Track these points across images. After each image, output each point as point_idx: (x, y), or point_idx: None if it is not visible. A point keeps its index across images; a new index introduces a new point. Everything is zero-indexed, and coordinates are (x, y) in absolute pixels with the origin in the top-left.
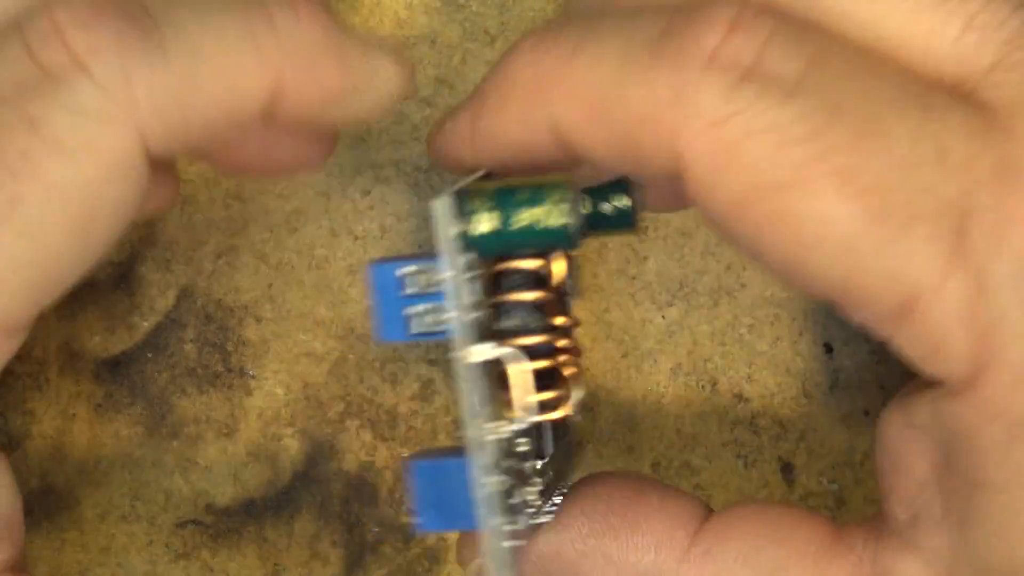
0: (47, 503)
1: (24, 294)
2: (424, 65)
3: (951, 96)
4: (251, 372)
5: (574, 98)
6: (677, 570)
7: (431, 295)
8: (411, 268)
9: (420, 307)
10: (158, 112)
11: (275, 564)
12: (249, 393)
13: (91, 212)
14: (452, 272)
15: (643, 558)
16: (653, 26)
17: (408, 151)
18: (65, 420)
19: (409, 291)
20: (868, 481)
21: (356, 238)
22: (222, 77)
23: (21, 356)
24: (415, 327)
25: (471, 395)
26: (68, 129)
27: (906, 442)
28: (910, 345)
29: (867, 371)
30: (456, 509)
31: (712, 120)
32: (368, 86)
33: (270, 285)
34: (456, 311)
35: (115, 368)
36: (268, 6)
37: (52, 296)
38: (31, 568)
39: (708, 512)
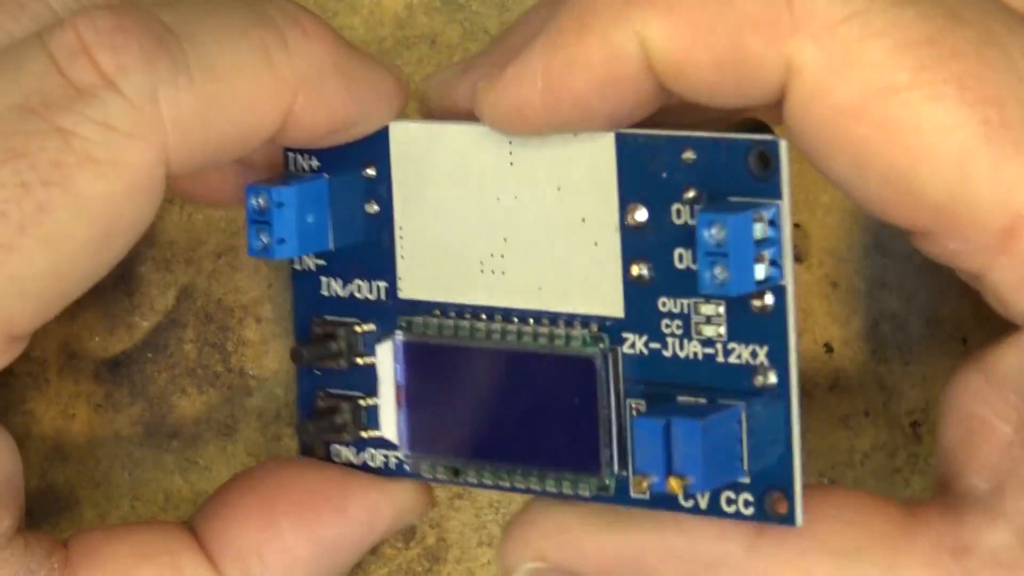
0: (47, 503)
1: (39, 303)
2: (424, 65)
3: None
4: (251, 372)
5: (671, 8)
6: (745, 560)
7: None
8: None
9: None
10: (181, 130)
11: None
12: (249, 393)
13: (112, 226)
14: (789, 221)
15: (709, 549)
16: None
17: None
18: (65, 420)
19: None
20: (868, 481)
21: None
22: (241, 97)
23: (21, 356)
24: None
25: (790, 338)
26: (98, 143)
27: (986, 403)
28: (1004, 277)
29: (867, 371)
30: (728, 462)
31: (829, 21)
32: (371, 106)
33: (270, 285)
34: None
35: (115, 368)
36: (280, 27)
37: (61, 307)
38: None
39: None
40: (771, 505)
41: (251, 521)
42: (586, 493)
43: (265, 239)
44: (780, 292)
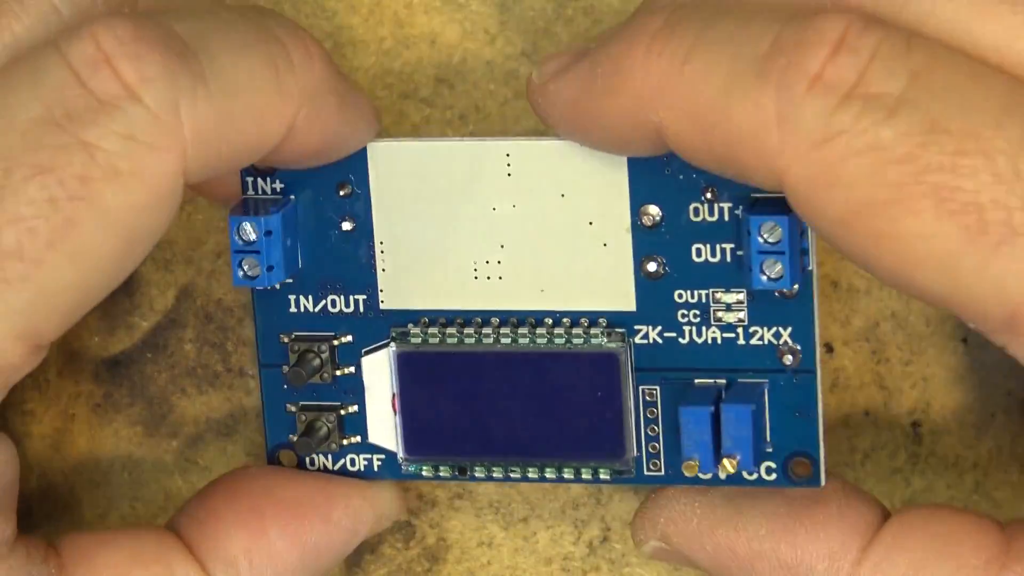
0: (47, 503)
1: (64, 314)
2: (424, 65)
3: None
4: (251, 372)
5: (681, 109)
6: None
7: None
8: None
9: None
10: (199, 141)
11: None
12: (249, 393)
13: (134, 236)
14: None
15: (816, 566)
16: (763, 38)
17: None
18: (65, 420)
19: None
20: (868, 481)
21: None
22: (252, 110)
23: None
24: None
25: (815, 317)
26: (121, 155)
27: None
28: (1022, 352)
29: (867, 371)
30: (761, 436)
31: (815, 141)
32: (356, 127)
33: None
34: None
35: (115, 368)
36: (285, 44)
37: (82, 315)
38: None
39: (884, 517)
40: (794, 469)
41: (239, 527)
42: (607, 476)
43: (249, 268)
44: (808, 276)
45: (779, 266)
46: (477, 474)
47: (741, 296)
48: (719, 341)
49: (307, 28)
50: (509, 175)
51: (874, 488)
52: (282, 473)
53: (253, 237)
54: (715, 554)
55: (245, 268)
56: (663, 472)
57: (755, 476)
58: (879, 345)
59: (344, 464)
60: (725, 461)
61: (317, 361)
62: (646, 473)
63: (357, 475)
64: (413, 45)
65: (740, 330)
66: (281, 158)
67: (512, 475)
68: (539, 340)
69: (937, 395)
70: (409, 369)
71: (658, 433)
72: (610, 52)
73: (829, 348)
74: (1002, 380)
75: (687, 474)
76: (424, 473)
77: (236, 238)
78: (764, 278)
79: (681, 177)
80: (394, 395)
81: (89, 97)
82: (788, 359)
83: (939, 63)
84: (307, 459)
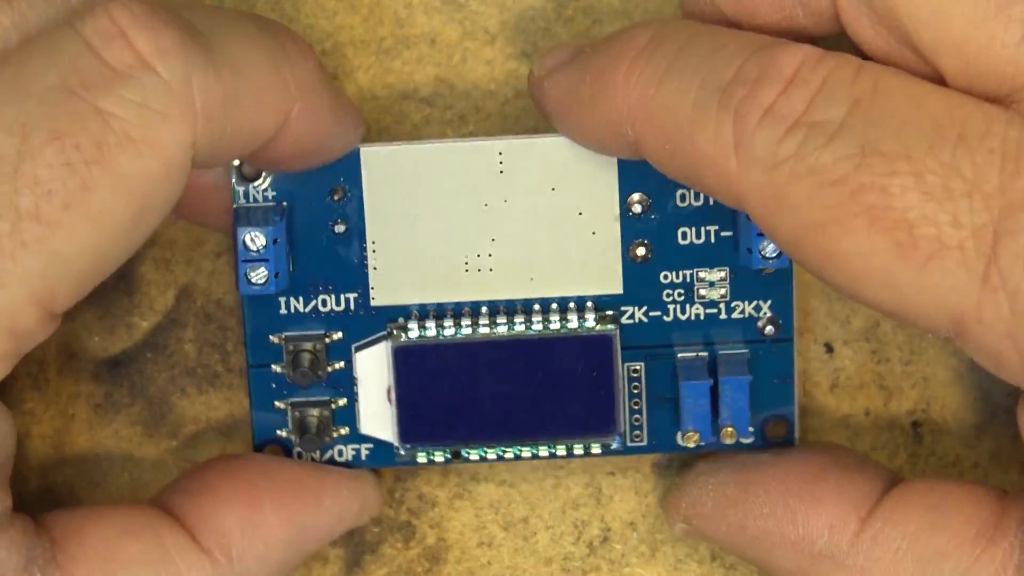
0: (47, 503)
1: (78, 279)
2: (424, 64)
3: (992, 118)
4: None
5: (654, 127)
6: (848, 553)
7: None
8: None
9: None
10: (208, 117)
11: None
12: (249, 393)
13: (147, 203)
14: None
15: (818, 540)
16: (728, 68)
17: None
18: (65, 420)
19: None
20: None
21: None
22: (255, 95)
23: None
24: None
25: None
26: (136, 123)
27: None
28: (978, 357)
29: (867, 371)
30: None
31: (765, 167)
32: (346, 128)
33: None
34: None
35: (115, 368)
36: (282, 41)
37: (94, 284)
38: None
39: (885, 486)
40: (771, 431)
41: (234, 500)
42: (597, 451)
43: (256, 277)
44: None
45: (772, 245)
46: (471, 456)
47: (724, 274)
48: (702, 317)
49: (307, 28)
50: (501, 172)
51: None
52: (276, 458)
53: (262, 246)
54: (728, 533)
55: (252, 277)
56: (646, 442)
57: (732, 441)
58: (879, 345)
59: (332, 455)
60: (725, 430)
61: (313, 360)
62: (629, 444)
63: (344, 465)
64: (413, 45)
65: (722, 305)
66: (276, 154)
67: (506, 455)
68: (534, 327)
69: (937, 395)
70: (405, 363)
71: (641, 406)
72: (597, 64)
73: (829, 348)
74: (1002, 380)
75: (688, 445)
76: (419, 460)
77: (243, 248)
78: (761, 258)
79: None
80: (389, 388)
81: (104, 67)
82: (769, 329)
83: (882, 89)
84: (295, 451)
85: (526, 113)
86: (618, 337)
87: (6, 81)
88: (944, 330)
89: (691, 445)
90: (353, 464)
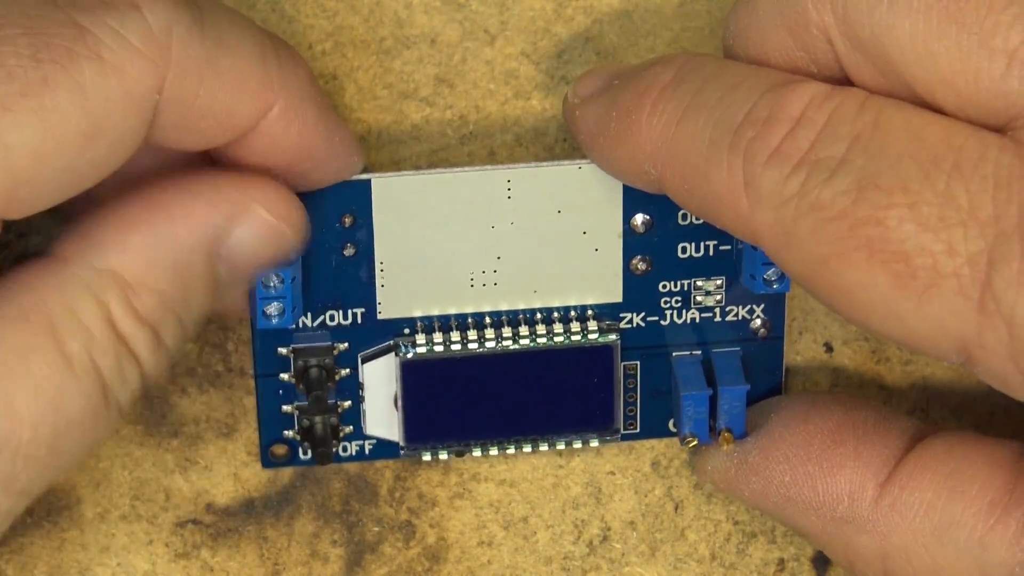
0: (47, 503)
1: (15, 180)
2: (424, 64)
3: (986, 145)
4: (251, 372)
5: (673, 167)
6: (868, 518)
7: None
8: None
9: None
10: (181, 72)
11: (275, 564)
12: (249, 392)
13: (99, 129)
14: None
15: (838, 506)
16: (740, 109)
17: (408, 151)
18: None
19: None
20: None
21: None
22: (234, 74)
23: None
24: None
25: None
26: (109, 46)
27: None
28: (987, 380)
29: (867, 371)
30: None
31: (773, 205)
32: (338, 150)
33: None
34: None
35: None
36: (275, 43)
37: (31, 206)
38: (31, 568)
39: (906, 445)
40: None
41: (94, 208)
42: (595, 443)
43: (274, 312)
44: None
45: (774, 272)
46: (474, 453)
47: (720, 282)
48: (697, 320)
49: (307, 28)
50: (509, 199)
51: None
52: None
53: (279, 285)
54: (752, 497)
55: (269, 312)
56: (639, 429)
57: (731, 445)
58: (879, 345)
59: (336, 451)
60: (723, 434)
61: (319, 372)
62: (623, 431)
63: (348, 460)
64: (413, 45)
65: (717, 310)
66: (256, 153)
67: (506, 449)
68: (538, 339)
69: (937, 395)
70: (413, 375)
71: (636, 399)
72: (624, 101)
73: (829, 348)
74: None
75: (688, 447)
76: (424, 456)
77: (261, 287)
78: (764, 283)
79: None
80: (396, 395)
81: None
82: (762, 332)
83: (882, 122)
84: (299, 449)
85: (526, 113)
86: (619, 347)
87: None
88: (953, 357)
89: (690, 446)
90: (356, 459)
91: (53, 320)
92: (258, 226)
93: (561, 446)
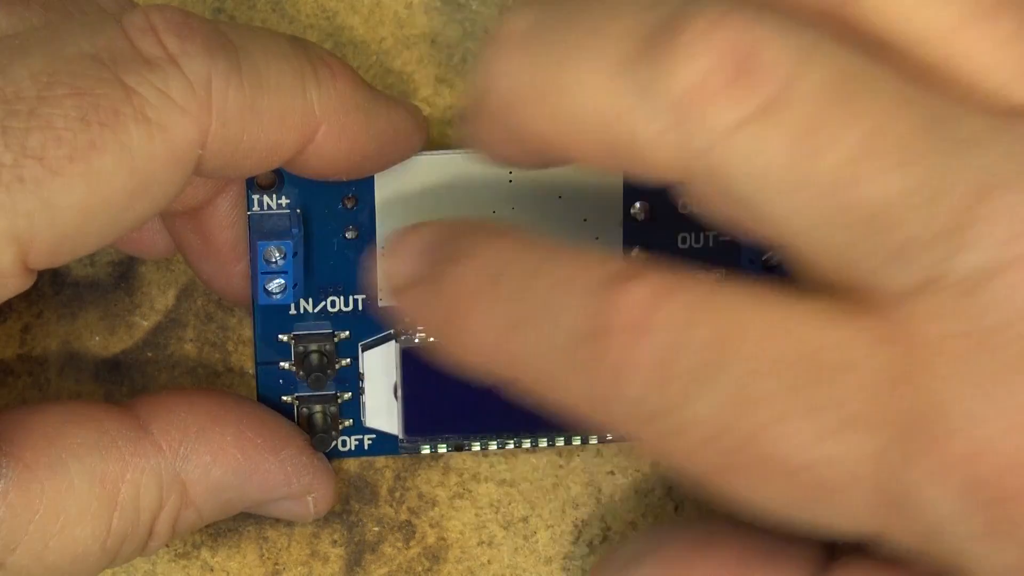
0: None
1: (61, 238)
2: (424, 65)
3: (855, 341)
4: (251, 372)
5: (518, 375)
6: None
7: None
8: None
9: None
10: (223, 122)
11: (275, 564)
12: (249, 393)
13: (144, 186)
14: None
15: None
16: (574, 317)
17: None
18: None
19: None
20: None
21: None
22: (276, 111)
23: (21, 356)
24: None
25: None
26: (154, 105)
27: None
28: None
29: None
30: None
31: (639, 423)
32: (389, 143)
33: None
34: None
35: (115, 368)
36: (314, 62)
37: (72, 255)
38: None
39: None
40: None
41: (198, 411)
42: (594, 440)
43: (275, 288)
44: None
45: (774, 255)
46: (473, 447)
47: (720, 274)
48: None
49: (307, 28)
50: (510, 182)
51: None
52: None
53: (280, 260)
54: None
55: (270, 287)
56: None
57: None
58: None
59: (335, 445)
60: None
61: (319, 359)
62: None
63: (347, 455)
64: (413, 45)
65: None
66: (311, 169)
67: (506, 444)
68: None
69: None
70: (413, 362)
71: None
72: (444, 304)
73: None
74: None
75: None
76: (423, 450)
77: (263, 261)
78: (764, 267)
79: None
80: (396, 384)
81: (135, 51)
82: None
83: (737, 322)
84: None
85: None
86: None
87: (42, 40)
88: (861, 539)
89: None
90: (355, 454)
91: (120, 497)
92: (299, 509)
93: (560, 442)
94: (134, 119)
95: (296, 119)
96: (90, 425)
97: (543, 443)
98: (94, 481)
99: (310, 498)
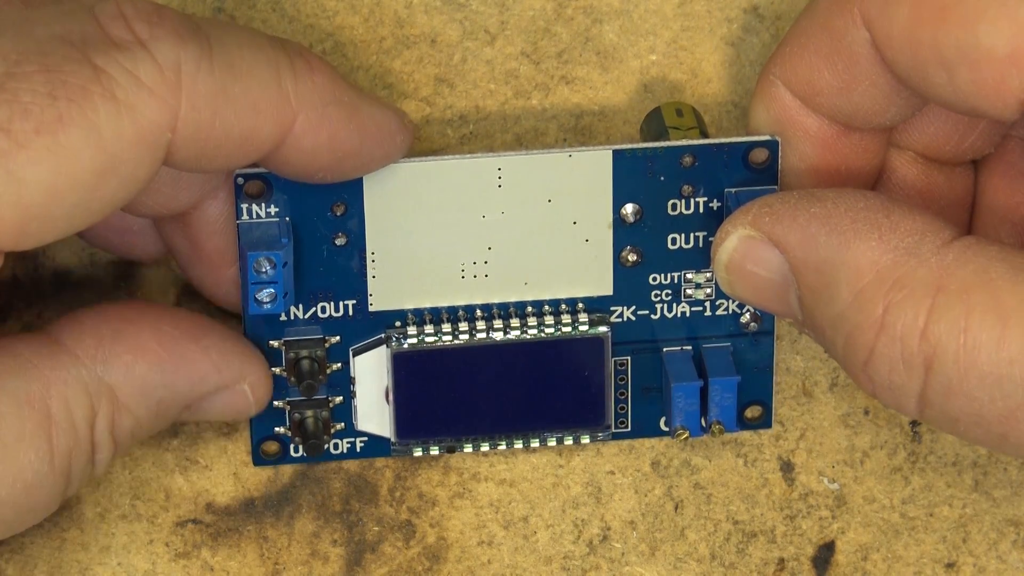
0: None
1: (26, 216)
2: (424, 64)
3: None
4: None
5: None
6: (936, 254)
7: None
8: None
9: None
10: (193, 106)
11: (275, 563)
12: None
13: (111, 166)
14: None
15: (907, 238)
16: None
17: (408, 151)
18: None
19: None
20: (868, 480)
21: None
22: (249, 98)
23: None
24: None
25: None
26: (122, 86)
27: None
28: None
29: None
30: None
31: None
32: (374, 140)
33: None
34: None
35: None
36: (290, 55)
37: (38, 239)
38: (31, 568)
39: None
40: (749, 415)
41: (112, 317)
42: (586, 440)
43: (266, 298)
44: None
45: None
46: (465, 448)
47: (710, 275)
48: (688, 314)
49: (307, 28)
50: (499, 187)
51: (874, 487)
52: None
53: (271, 270)
54: (806, 226)
55: (261, 298)
56: (629, 428)
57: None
58: None
59: (328, 448)
60: (714, 426)
61: (310, 365)
62: (615, 430)
63: (339, 457)
64: (413, 45)
65: (707, 304)
66: (292, 165)
67: (498, 446)
68: (529, 331)
69: None
70: (404, 367)
71: (626, 396)
72: None
73: None
74: None
75: (679, 440)
76: (415, 452)
77: (253, 272)
78: None
79: (662, 178)
80: (387, 388)
81: (105, 35)
82: (752, 326)
83: None
84: (291, 446)
85: (526, 113)
86: (610, 339)
87: (13, 22)
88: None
89: (681, 439)
90: (347, 457)
91: (52, 413)
92: (236, 399)
93: (552, 442)
94: (102, 96)
95: (270, 107)
96: (3, 353)
97: (535, 443)
98: (21, 404)
99: (245, 386)
